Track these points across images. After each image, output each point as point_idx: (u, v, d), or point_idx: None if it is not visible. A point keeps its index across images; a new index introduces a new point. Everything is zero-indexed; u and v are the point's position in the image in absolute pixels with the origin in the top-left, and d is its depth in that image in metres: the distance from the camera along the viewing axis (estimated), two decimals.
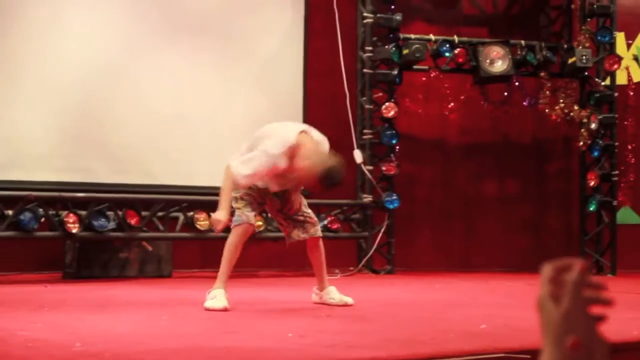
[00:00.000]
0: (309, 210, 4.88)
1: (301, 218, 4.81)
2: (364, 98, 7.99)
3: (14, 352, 2.99)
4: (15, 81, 6.86)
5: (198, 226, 6.96)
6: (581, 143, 8.41)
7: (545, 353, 1.26)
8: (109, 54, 7.17)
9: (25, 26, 6.92)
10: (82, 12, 7.13)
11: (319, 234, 4.85)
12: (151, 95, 7.28)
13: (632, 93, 8.87)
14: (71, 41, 7.05)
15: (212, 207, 7.02)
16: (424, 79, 8.40)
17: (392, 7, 8.04)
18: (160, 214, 6.90)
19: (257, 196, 4.74)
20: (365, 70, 7.99)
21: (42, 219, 6.40)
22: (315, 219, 4.90)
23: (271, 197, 4.79)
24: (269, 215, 5.53)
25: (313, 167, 4.40)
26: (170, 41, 7.38)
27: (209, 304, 4.45)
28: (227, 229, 4.66)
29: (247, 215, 4.66)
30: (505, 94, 8.56)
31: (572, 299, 1.26)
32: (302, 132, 4.57)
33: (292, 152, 4.46)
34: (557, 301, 1.27)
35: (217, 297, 4.48)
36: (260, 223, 6.93)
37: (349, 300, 4.80)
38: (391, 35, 8.03)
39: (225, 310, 4.39)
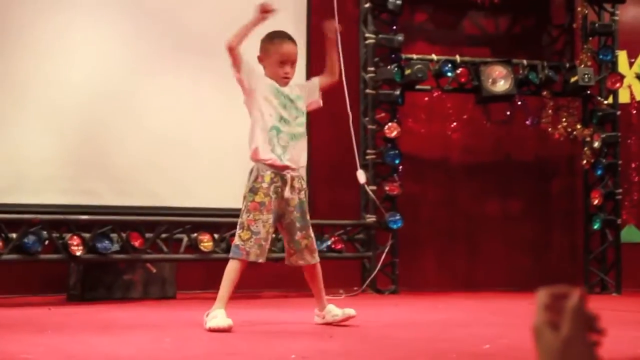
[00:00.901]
0: (313, 236, 4.87)
1: (304, 244, 4.79)
2: (367, 118, 8.00)
3: None
4: (17, 103, 6.88)
5: (202, 247, 6.96)
6: (584, 162, 8.42)
7: None
8: (112, 75, 7.20)
9: (28, 48, 6.95)
10: (85, 35, 7.16)
11: (316, 260, 4.84)
12: (154, 117, 7.30)
13: (634, 111, 8.88)
14: (74, 63, 7.07)
15: (215, 228, 7.06)
16: (426, 99, 8.41)
17: (394, 27, 8.07)
18: (164, 235, 6.90)
19: (274, 213, 4.68)
20: (367, 90, 8.01)
21: (46, 242, 6.40)
22: (315, 246, 4.88)
23: (292, 210, 4.74)
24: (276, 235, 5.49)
25: None
26: (173, 63, 7.40)
27: (212, 323, 4.43)
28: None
29: (247, 252, 4.61)
30: (508, 113, 8.57)
31: (571, 326, 1.26)
32: None
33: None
34: (555, 328, 1.27)
35: (218, 316, 4.46)
36: None
37: (351, 312, 4.79)
38: (393, 56, 8.05)
39: (230, 328, 4.37)
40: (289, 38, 4.83)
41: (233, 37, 4.70)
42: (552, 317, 1.28)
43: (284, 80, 4.77)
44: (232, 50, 4.69)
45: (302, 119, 4.83)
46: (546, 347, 1.27)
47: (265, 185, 4.65)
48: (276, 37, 4.80)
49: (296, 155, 4.75)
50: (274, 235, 5.05)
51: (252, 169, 4.73)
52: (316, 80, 4.99)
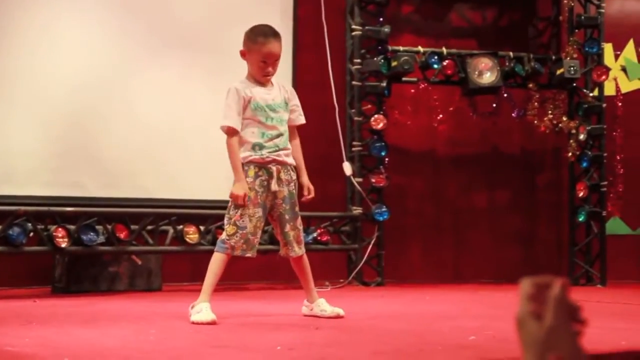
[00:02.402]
0: (301, 227, 4.88)
1: (292, 236, 4.80)
2: (353, 110, 8.00)
3: None
4: (3, 96, 6.85)
5: (188, 239, 6.95)
6: (570, 154, 8.44)
7: None
8: (99, 68, 7.17)
9: (15, 41, 6.91)
10: (72, 27, 7.13)
11: (302, 252, 4.85)
12: (141, 109, 7.28)
13: (620, 104, 8.91)
14: (61, 55, 7.04)
15: (201, 220, 7.05)
16: (412, 90, 8.42)
17: (381, 19, 8.06)
18: (149, 227, 6.89)
19: (262, 207, 4.68)
20: (354, 82, 8.00)
21: (31, 234, 6.38)
22: (302, 237, 4.89)
23: (281, 203, 4.75)
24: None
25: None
26: (161, 54, 7.38)
27: (196, 317, 4.44)
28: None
29: (233, 247, 4.62)
30: (494, 105, 8.58)
31: (555, 316, 1.26)
32: None
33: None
34: (538, 318, 1.27)
35: (203, 310, 4.46)
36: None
37: (340, 311, 4.80)
38: (380, 48, 8.05)
39: (213, 323, 4.38)
40: (273, 35, 4.75)
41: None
42: (536, 307, 1.28)
43: (264, 80, 4.76)
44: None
45: (284, 128, 4.80)
46: (529, 337, 1.27)
47: (249, 179, 4.65)
48: (259, 36, 4.72)
49: (281, 159, 4.74)
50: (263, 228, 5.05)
51: None
52: (293, 114, 4.91)
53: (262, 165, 4.68)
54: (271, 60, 4.72)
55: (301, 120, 4.93)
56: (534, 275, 1.38)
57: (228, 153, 4.67)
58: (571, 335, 1.26)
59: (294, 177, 4.83)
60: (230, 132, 4.66)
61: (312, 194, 4.88)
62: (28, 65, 6.93)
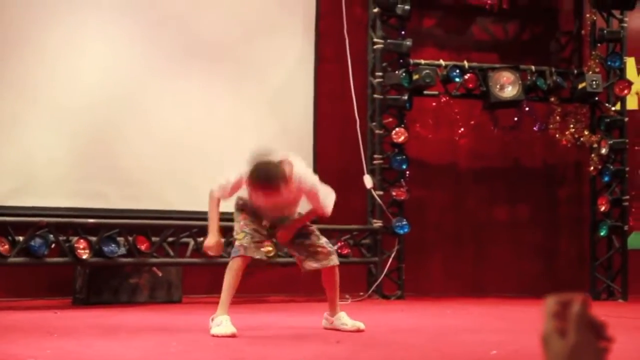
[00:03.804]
0: (323, 241, 4.86)
1: (312, 249, 4.81)
2: (374, 123, 8.00)
3: None
4: (27, 106, 6.88)
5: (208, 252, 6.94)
6: (592, 168, 8.40)
7: None
8: (121, 79, 7.20)
9: (38, 51, 6.95)
10: (94, 37, 7.15)
11: (333, 263, 4.83)
12: (163, 121, 7.30)
13: None
14: (84, 66, 7.07)
15: (222, 233, 7.04)
16: (434, 104, 8.41)
17: (403, 32, 8.06)
18: (170, 239, 6.90)
19: (262, 219, 4.79)
20: (375, 95, 8.00)
21: (53, 245, 6.40)
22: (330, 248, 4.87)
23: (276, 231, 4.86)
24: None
25: None
26: (183, 67, 7.39)
27: (216, 330, 4.44)
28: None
29: (245, 247, 4.67)
30: (516, 119, 8.56)
31: (578, 332, 1.25)
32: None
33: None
34: (562, 335, 1.26)
35: (223, 323, 4.47)
36: (270, 248, 6.91)
37: (361, 325, 4.80)
38: (401, 61, 8.04)
39: (233, 336, 4.38)
40: (268, 185, 4.45)
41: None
42: (560, 324, 1.28)
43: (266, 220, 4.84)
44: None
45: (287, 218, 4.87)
46: (554, 355, 1.26)
47: (249, 204, 4.77)
48: (256, 181, 4.50)
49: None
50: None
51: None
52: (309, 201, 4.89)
53: None
54: (262, 208, 4.73)
55: (325, 210, 4.83)
56: (555, 289, 1.38)
57: (208, 203, 4.89)
58: (596, 352, 1.25)
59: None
60: (216, 195, 4.84)
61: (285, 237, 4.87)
62: (50, 77, 6.96)
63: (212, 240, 4.80)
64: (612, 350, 1.25)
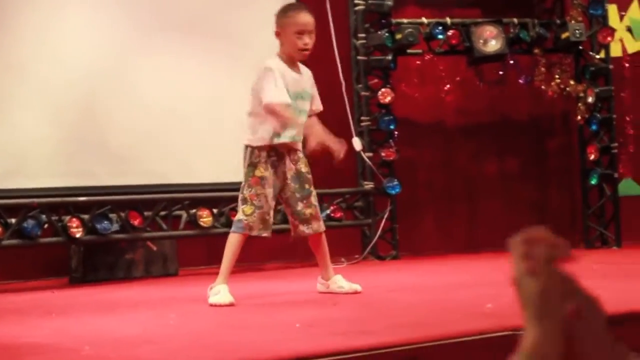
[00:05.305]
0: (317, 204, 4.89)
1: (308, 213, 4.80)
2: (360, 85, 7.98)
3: (23, 359, 3.00)
4: (10, 89, 6.85)
5: (202, 223, 6.95)
6: (579, 117, 8.41)
7: (528, 331, 1.26)
8: (105, 54, 7.16)
9: (22, 30, 6.91)
10: (77, 14, 7.10)
11: (322, 229, 4.86)
12: (148, 94, 7.27)
13: (627, 65, 8.85)
14: (67, 44, 7.02)
15: (214, 203, 7.07)
16: (418, 62, 8.38)
17: None
18: (162, 213, 6.90)
19: (273, 188, 4.70)
20: (359, 57, 7.98)
21: (45, 225, 6.40)
22: (320, 214, 4.91)
23: (289, 182, 4.76)
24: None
25: None
26: (166, 38, 7.35)
27: (214, 299, 4.46)
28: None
29: (251, 227, 4.63)
30: (501, 73, 8.55)
31: (547, 272, 1.26)
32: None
33: None
34: (533, 275, 1.28)
35: (221, 292, 4.48)
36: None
37: (357, 287, 4.81)
38: (383, 21, 8.01)
39: (231, 305, 4.39)
40: (305, 8, 4.82)
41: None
42: (529, 265, 1.29)
43: (303, 53, 4.72)
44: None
45: (304, 118, 4.81)
46: (527, 296, 1.28)
47: (263, 159, 4.66)
48: (290, 10, 4.78)
49: (297, 134, 4.76)
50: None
51: (247, 145, 4.74)
52: (315, 104, 4.92)
53: (273, 148, 4.70)
54: (306, 31, 4.69)
55: (320, 107, 4.93)
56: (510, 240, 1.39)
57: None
58: (565, 290, 1.26)
59: (301, 155, 4.84)
60: (282, 108, 4.56)
61: (344, 146, 4.86)
62: (33, 57, 6.92)
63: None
64: (608, 296, 1.26)
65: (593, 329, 1.24)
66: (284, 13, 4.77)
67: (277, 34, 4.75)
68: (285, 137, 4.68)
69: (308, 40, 4.68)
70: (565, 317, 1.23)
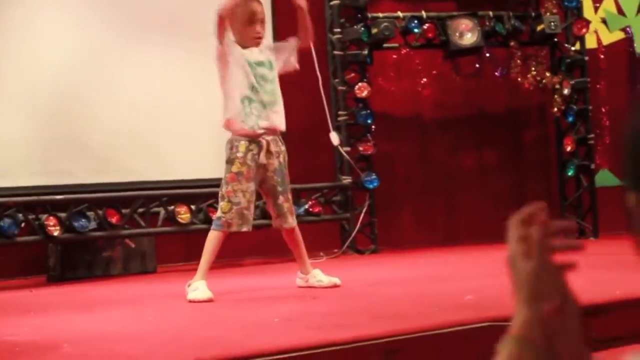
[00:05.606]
0: (291, 199, 4.92)
1: (286, 208, 4.82)
2: (337, 80, 7.97)
3: (2, 357, 2.98)
4: None
5: (179, 219, 6.93)
6: (555, 109, 8.44)
7: (518, 314, 1.27)
8: (81, 53, 7.11)
9: None
10: (53, 14, 7.05)
11: (295, 223, 4.88)
12: (124, 93, 7.23)
13: (602, 56, 8.89)
14: (43, 44, 6.97)
15: (192, 199, 7.05)
16: (394, 56, 8.39)
17: None
18: (140, 210, 6.87)
19: (254, 181, 4.71)
20: (335, 52, 7.97)
21: (22, 224, 6.36)
22: (293, 208, 4.93)
23: (272, 175, 4.77)
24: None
25: None
26: (142, 38, 7.32)
27: (192, 295, 4.45)
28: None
29: (229, 224, 4.64)
30: (477, 65, 8.57)
31: (540, 255, 1.27)
32: None
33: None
34: (527, 257, 1.28)
35: (199, 288, 4.48)
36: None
37: (337, 280, 4.83)
38: (359, 15, 8.02)
39: (210, 300, 4.39)
40: None
41: (223, 6, 4.68)
42: (524, 247, 1.30)
43: (256, 40, 4.76)
44: (222, 20, 4.69)
45: (274, 86, 4.83)
46: (519, 277, 1.28)
47: (240, 154, 4.67)
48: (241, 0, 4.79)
49: (272, 121, 4.77)
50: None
51: (228, 140, 4.77)
52: (293, 43, 5.00)
53: (252, 139, 4.70)
54: (258, 19, 4.75)
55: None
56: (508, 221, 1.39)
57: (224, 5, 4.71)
58: (555, 274, 1.26)
59: (283, 149, 4.86)
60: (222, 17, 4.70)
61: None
62: (9, 56, 6.88)
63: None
64: (585, 285, 1.27)
65: (568, 327, 1.25)
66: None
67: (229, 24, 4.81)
68: (257, 104, 4.72)
69: (260, 29, 4.76)
70: (545, 314, 1.24)
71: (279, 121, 4.82)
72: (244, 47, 4.79)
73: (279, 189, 4.79)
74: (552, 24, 8.17)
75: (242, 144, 4.69)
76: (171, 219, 6.92)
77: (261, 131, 4.70)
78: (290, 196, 4.88)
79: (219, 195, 4.73)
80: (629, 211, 1.22)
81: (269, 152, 4.74)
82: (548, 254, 1.26)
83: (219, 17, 4.66)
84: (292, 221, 4.85)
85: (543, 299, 1.24)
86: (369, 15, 8.01)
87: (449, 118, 8.89)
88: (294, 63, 4.96)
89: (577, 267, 1.26)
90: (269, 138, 4.76)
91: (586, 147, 8.38)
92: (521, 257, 1.28)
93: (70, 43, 7.10)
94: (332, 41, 7.99)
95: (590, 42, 8.67)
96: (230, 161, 4.70)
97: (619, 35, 8.90)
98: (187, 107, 7.36)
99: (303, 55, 7.88)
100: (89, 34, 7.18)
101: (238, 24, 4.76)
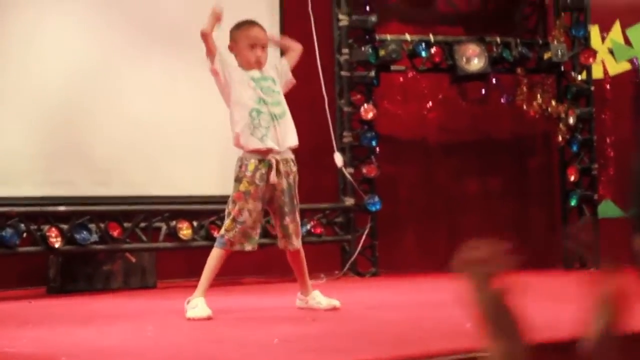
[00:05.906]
0: (299, 220, 4.91)
1: (292, 229, 4.81)
2: (342, 101, 7.98)
3: None
4: None
5: (181, 236, 6.94)
6: (560, 138, 8.44)
7: (492, 350, 1.27)
8: (86, 65, 7.12)
9: (1, 40, 6.87)
10: (58, 25, 7.07)
11: (300, 245, 4.88)
12: (130, 106, 7.24)
13: (608, 86, 8.90)
14: (47, 54, 6.98)
15: (194, 216, 7.04)
16: (401, 79, 8.40)
17: (367, 8, 8.04)
18: (142, 224, 6.87)
19: (261, 200, 4.71)
20: (342, 73, 7.98)
21: (24, 234, 6.36)
22: (300, 230, 4.93)
23: (280, 195, 4.76)
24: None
25: None
26: (148, 50, 7.33)
27: (191, 313, 4.44)
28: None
29: (232, 243, 4.64)
30: (483, 91, 8.58)
31: (486, 296, 1.27)
32: None
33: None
34: (478, 295, 1.29)
35: (198, 305, 4.47)
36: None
37: (336, 303, 4.82)
38: (367, 37, 8.03)
39: (209, 318, 4.38)
40: (256, 23, 4.93)
41: (206, 24, 4.76)
42: (472, 284, 1.32)
43: (257, 64, 4.79)
44: (206, 37, 4.73)
45: (280, 98, 4.86)
46: (480, 314, 1.31)
47: (249, 173, 4.68)
48: (243, 25, 4.90)
49: (281, 136, 4.77)
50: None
51: (238, 158, 4.78)
52: (284, 61, 5.07)
53: (262, 158, 4.70)
54: (259, 44, 4.80)
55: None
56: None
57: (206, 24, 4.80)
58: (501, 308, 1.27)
59: (294, 169, 4.87)
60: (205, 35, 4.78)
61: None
62: (14, 66, 6.89)
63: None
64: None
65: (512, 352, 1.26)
66: (237, 28, 4.93)
67: (231, 48, 4.90)
68: (265, 116, 4.73)
69: (260, 53, 4.82)
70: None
71: (289, 137, 4.83)
72: (247, 70, 4.83)
73: (286, 209, 4.79)
74: (559, 52, 8.18)
75: (252, 163, 4.70)
76: (172, 234, 6.92)
77: (270, 145, 4.70)
78: (297, 217, 4.87)
79: (225, 212, 4.74)
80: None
81: (278, 171, 4.74)
82: (491, 285, 1.28)
83: (202, 35, 4.72)
84: (296, 243, 4.84)
85: (506, 332, 1.26)
86: (377, 37, 8.02)
87: (453, 143, 8.89)
88: (291, 80, 5.03)
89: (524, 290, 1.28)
90: (279, 157, 4.76)
91: (590, 178, 8.38)
92: (473, 293, 1.30)
93: (75, 55, 7.11)
94: (340, 62, 8.00)
95: (597, 72, 8.68)
96: (238, 179, 4.71)
97: (625, 66, 8.89)
98: (192, 123, 7.36)
99: (309, 75, 7.92)
100: (94, 47, 7.19)
101: (241, 48, 4.82)
